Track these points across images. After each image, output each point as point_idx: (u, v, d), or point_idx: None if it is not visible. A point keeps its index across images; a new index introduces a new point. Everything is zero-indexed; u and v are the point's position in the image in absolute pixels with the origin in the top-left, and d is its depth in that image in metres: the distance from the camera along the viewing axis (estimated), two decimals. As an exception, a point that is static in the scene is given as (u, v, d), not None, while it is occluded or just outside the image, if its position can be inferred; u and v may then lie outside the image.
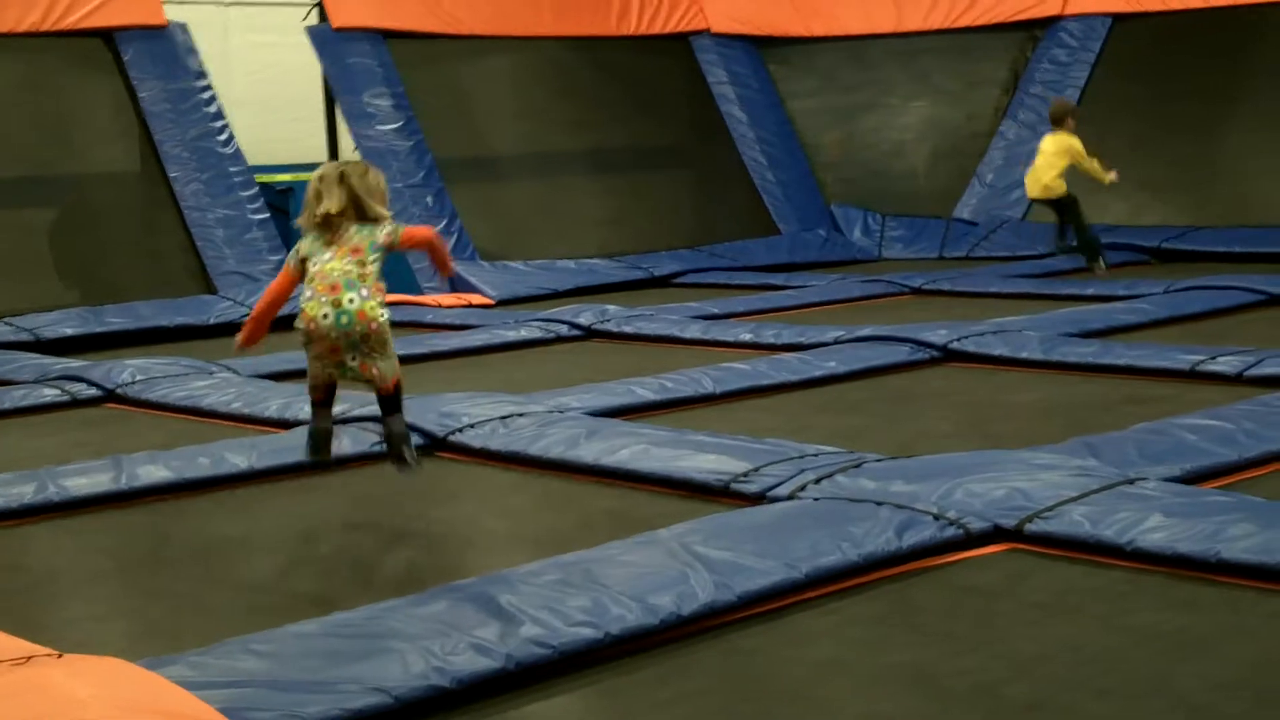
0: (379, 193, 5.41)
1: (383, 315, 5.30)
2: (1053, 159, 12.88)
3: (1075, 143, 12.84)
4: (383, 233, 5.34)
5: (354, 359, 5.30)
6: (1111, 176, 12.95)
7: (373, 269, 5.30)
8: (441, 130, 15.02)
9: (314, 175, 5.42)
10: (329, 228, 5.32)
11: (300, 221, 5.43)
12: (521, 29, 16.16)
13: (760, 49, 17.67)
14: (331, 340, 5.25)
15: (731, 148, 16.83)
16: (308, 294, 5.29)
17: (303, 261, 5.36)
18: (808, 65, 17.76)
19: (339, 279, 5.24)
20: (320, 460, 5.68)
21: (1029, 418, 7.10)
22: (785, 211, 16.50)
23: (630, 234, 15.42)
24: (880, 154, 17.40)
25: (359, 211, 5.33)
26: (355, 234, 5.32)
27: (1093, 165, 12.93)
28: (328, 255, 5.29)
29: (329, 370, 5.39)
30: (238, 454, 6.46)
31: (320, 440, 5.63)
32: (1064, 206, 13.06)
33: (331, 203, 5.30)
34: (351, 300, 5.22)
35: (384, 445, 5.64)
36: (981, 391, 7.89)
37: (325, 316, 5.22)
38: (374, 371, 5.35)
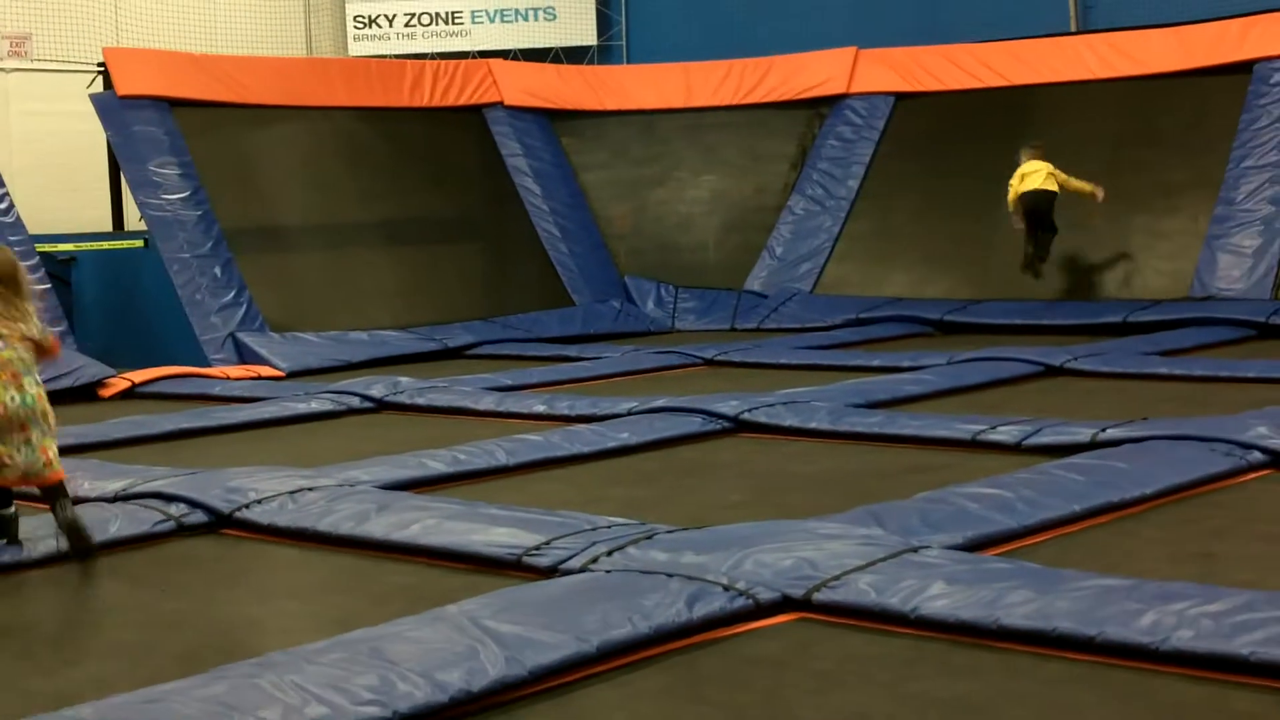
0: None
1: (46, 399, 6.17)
2: (1044, 173, 14.21)
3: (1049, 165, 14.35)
4: (38, 329, 6.19)
5: (38, 436, 6.03)
6: (1098, 192, 14.33)
7: (31, 356, 6.16)
8: (230, 200, 14.81)
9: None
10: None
11: None
12: (312, 99, 16.04)
13: (553, 121, 17.81)
14: (21, 419, 5.99)
15: (525, 219, 16.88)
16: None
17: None
18: (600, 138, 17.95)
19: (19, 368, 6.05)
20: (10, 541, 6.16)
21: (817, 487, 7.20)
22: (579, 283, 16.58)
23: (424, 305, 15.33)
24: (671, 226, 17.64)
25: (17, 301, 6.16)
26: (22, 324, 6.12)
27: (1079, 183, 14.31)
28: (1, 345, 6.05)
29: (9, 451, 5.97)
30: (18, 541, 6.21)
31: (7, 524, 6.20)
32: (1047, 210, 14.26)
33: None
34: (31, 384, 6.07)
35: (63, 536, 6.00)
36: (771, 461, 7.99)
37: (13, 400, 5.99)
38: (52, 453, 6.08)
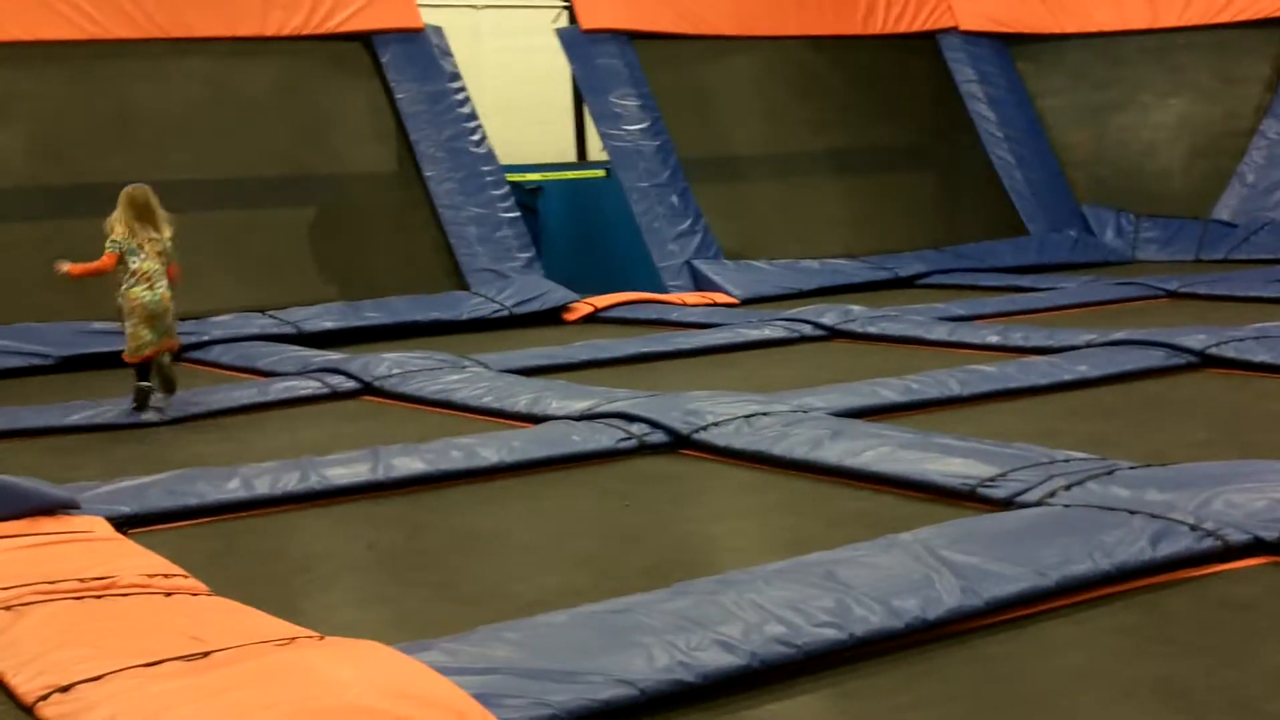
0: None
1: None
2: None
3: None
4: (168, 251, 8.15)
5: (161, 325, 8.04)
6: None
7: (163, 267, 8.10)
8: (686, 130, 15.12)
9: (138, 196, 8.06)
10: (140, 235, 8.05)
11: (121, 230, 8.01)
12: (765, 29, 16.17)
13: (1009, 46, 17.39)
14: (152, 312, 7.99)
15: (979, 147, 16.60)
16: (133, 282, 8.02)
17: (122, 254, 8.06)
18: (1058, 63, 17.41)
19: (153, 275, 8.00)
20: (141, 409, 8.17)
21: (1290, 427, 6.85)
22: (1034, 211, 16.21)
23: (874, 234, 15.31)
24: (1133, 152, 16.96)
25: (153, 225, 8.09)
26: (155, 244, 8.06)
27: None
28: (143, 256, 8.02)
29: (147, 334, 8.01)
30: (488, 448, 6.60)
31: (144, 395, 8.20)
32: None
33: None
34: (161, 287, 8.02)
35: (158, 378, 8.21)
36: (1240, 399, 7.64)
37: (148, 296, 7.98)
38: (170, 335, 8.17)
